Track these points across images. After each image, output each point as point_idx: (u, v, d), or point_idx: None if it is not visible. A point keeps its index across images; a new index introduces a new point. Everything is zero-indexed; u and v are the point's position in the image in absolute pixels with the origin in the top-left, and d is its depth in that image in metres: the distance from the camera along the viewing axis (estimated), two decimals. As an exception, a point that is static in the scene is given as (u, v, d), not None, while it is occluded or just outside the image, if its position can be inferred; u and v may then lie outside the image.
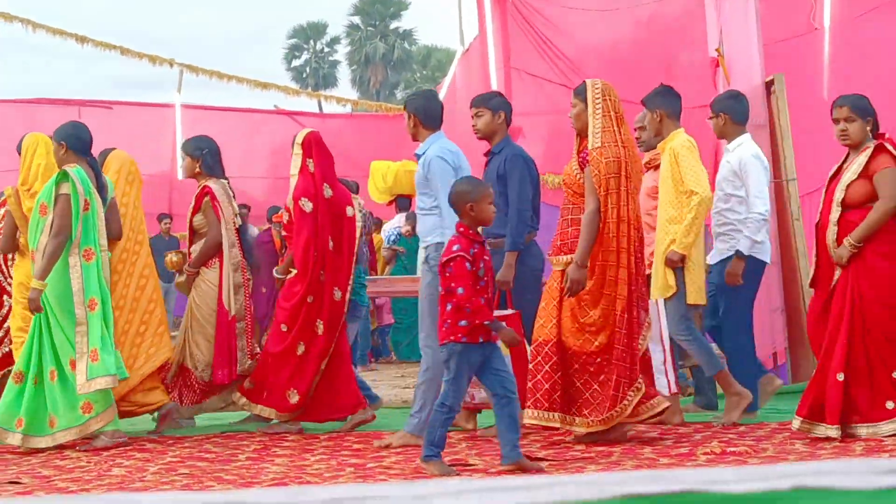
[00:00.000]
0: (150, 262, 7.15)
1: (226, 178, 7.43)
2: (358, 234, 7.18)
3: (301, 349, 6.86)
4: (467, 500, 2.06)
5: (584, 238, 5.93)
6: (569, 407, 6.00)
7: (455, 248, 5.22)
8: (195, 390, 7.18)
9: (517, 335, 5.51)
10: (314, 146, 7.03)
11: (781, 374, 7.91)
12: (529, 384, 6.03)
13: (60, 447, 6.43)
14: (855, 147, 5.86)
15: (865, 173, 5.76)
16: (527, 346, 6.35)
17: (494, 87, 10.76)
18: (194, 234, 7.34)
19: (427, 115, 6.35)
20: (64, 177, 6.43)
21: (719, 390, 7.13)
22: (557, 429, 6.06)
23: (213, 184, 7.28)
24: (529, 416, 6.00)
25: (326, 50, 51.76)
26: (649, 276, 6.55)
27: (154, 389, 7.02)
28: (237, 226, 7.30)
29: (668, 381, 6.33)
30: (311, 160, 6.99)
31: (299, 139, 7.08)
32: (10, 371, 6.64)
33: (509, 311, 6.47)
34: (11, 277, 7.13)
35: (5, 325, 7.13)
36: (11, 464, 6.00)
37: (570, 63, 10.30)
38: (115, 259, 6.87)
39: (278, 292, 7.18)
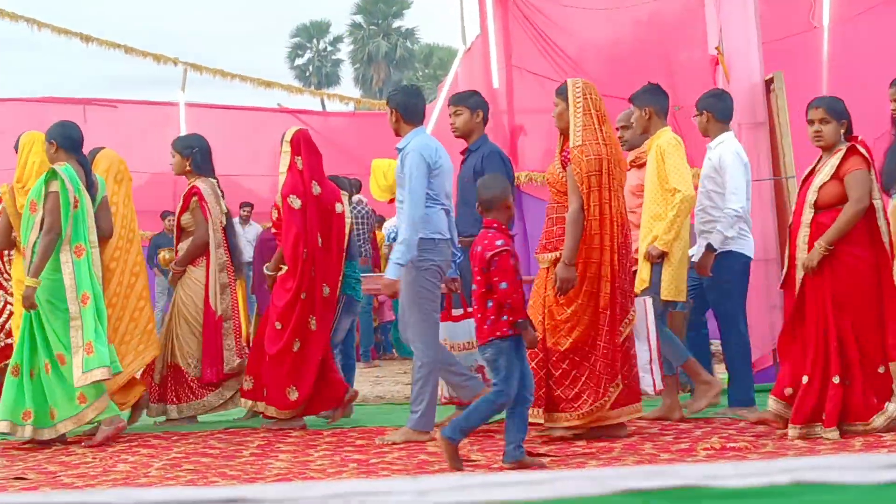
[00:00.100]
0: (141, 259, 7.21)
1: (215, 178, 7.45)
2: (347, 231, 7.20)
3: (297, 346, 6.89)
4: (469, 494, 2.09)
5: (569, 236, 5.95)
6: (552, 404, 6.04)
7: (499, 242, 5.26)
8: (191, 388, 7.22)
9: (536, 337, 5.53)
10: (302, 144, 7.06)
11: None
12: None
13: (66, 443, 6.49)
14: (828, 149, 5.91)
15: (837, 175, 5.81)
16: None
17: (496, 85, 10.78)
18: (182, 232, 7.39)
19: (408, 111, 6.39)
20: (53, 175, 6.50)
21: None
22: (542, 425, 6.08)
23: (201, 183, 7.31)
24: None
25: (329, 49, 51.75)
26: (635, 272, 6.60)
27: (134, 386, 7.10)
28: (224, 225, 7.34)
29: (654, 379, 6.34)
30: (299, 158, 7.02)
31: (288, 137, 7.10)
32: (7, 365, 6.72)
33: None
34: (9, 274, 7.20)
35: (3, 320, 7.21)
36: (17, 460, 6.04)
37: (571, 61, 10.31)
38: (107, 257, 6.92)
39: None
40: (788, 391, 5.93)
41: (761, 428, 6.13)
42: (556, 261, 6.00)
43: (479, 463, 5.50)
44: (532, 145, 10.27)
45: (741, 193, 6.75)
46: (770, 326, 7.85)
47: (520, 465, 5.20)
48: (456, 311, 6.61)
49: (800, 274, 5.86)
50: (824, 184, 5.82)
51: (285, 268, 6.96)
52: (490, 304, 5.23)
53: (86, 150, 7.06)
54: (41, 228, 6.44)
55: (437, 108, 13.08)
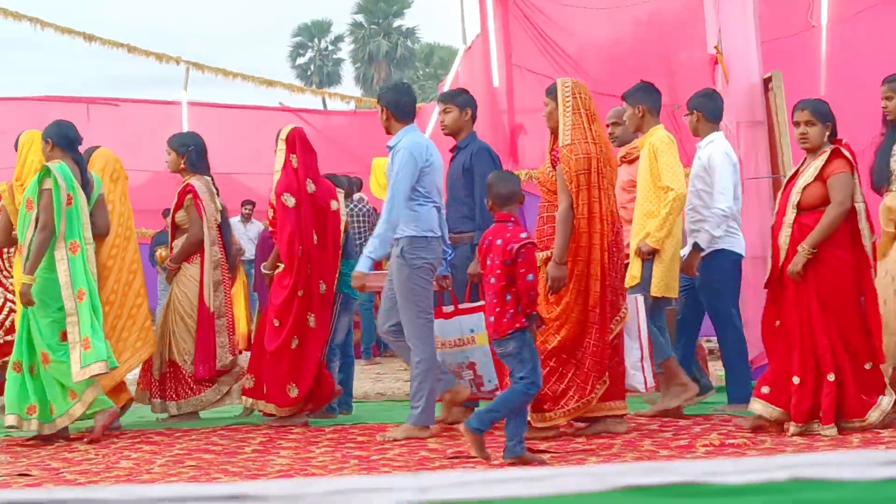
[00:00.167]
0: (137, 257, 7.24)
1: (210, 176, 7.48)
2: (343, 228, 7.23)
3: (295, 343, 6.91)
4: (470, 491, 2.11)
5: (559, 235, 5.98)
6: (538, 401, 6.03)
7: (523, 235, 5.33)
8: (188, 384, 7.25)
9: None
10: (298, 142, 7.07)
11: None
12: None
13: (70, 440, 6.53)
14: (813, 151, 5.94)
15: (821, 177, 5.84)
16: None
17: (496, 84, 10.83)
18: (177, 230, 7.42)
19: (399, 109, 6.42)
20: (47, 172, 6.54)
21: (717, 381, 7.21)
22: (528, 422, 6.12)
23: (196, 181, 7.34)
24: None
25: (330, 48, 51.74)
26: (627, 268, 6.63)
27: (122, 392, 7.14)
28: (219, 223, 7.37)
29: (645, 377, 6.35)
30: (294, 156, 7.04)
31: (283, 135, 7.11)
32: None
33: (482, 303, 6.56)
34: (9, 271, 7.24)
35: (3, 317, 7.26)
36: (21, 456, 6.07)
37: (571, 61, 10.34)
38: (104, 255, 6.96)
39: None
40: (765, 389, 5.99)
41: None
42: (548, 259, 6.03)
43: (479, 460, 5.52)
44: (532, 144, 10.31)
45: (729, 193, 6.78)
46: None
47: (521, 461, 5.24)
48: (447, 308, 6.62)
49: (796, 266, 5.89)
50: (808, 185, 5.85)
51: (282, 266, 6.99)
52: (509, 296, 5.27)
53: (85, 148, 7.09)
54: (37, 226, 6.49)
55: (437, 108, 13.14)
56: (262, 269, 7.33)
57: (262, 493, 1.99)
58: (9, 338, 7.18)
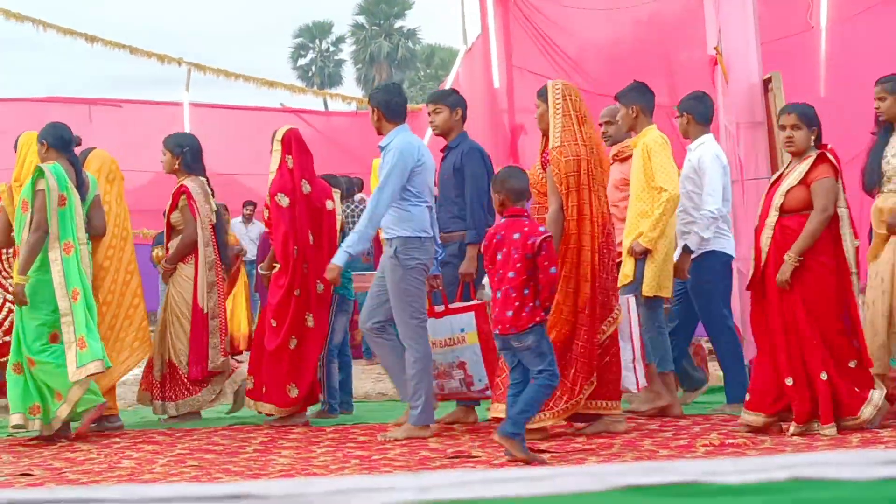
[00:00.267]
0: (134, 258, 7.26)
1: (205, 177, 7.50)
2: (339, 228, 7.24)
3: (294, 343, 6.93)
4: (470, 490, 2.12)
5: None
6: None
7: (542, 229, 5.40)
8: (184, 384, 7.28)
9: None
10: (293, 143, 7.09)
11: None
12: (497, 379, 6.10)
13: (72, 440, 6.56)
14: (798, 154, 5.96)
15: (805, 180, 5.86)
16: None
17: (497, 85, 10.84)
18: (172, 230, 7.45)
19: (390, 109, 6.43)
20: (40, 174, 6.57)
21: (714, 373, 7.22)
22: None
23: (190, 182, 7.36)
24: (494, 410, 6.09)
25: (332, 49, 51.77)
26: (618, 265, 6.64)
27: (114, 394, 7.17)
28: (213, 223, 7.39)
29: (637, 378, 6.36)
30: (289, 157, 7.05)
31: (279, 136, 7.13)
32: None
33: (476, 302, 6.58)
34: (7, 272, 7.27)
35: (2, 318, 7.29)
36: (23, 456, 6.09)
37: (571, 61, 10.35)
38: (101, 255, 6.99)
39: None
40: (748, 397, 6.03)
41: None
42: None
43: (480, 459, 5.54)
44: (532, 144, 10.31)
45: (718, 195, 6.80)
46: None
47: (508, 444, 5.27)
48: (437, 308, 6.63)
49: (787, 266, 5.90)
50: (791, 188, 5.88)
51: (278, 266, 7.02)
52: (527, 290, 5.29)
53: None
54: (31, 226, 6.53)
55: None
56: (259, 270, 7.35)
57: (264, 493, 2.00)
58: (7, 338, 7.20)
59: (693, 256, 6.86)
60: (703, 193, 6.80)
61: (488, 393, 6.45)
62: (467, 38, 12.35)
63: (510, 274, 5.33)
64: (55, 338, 6.51)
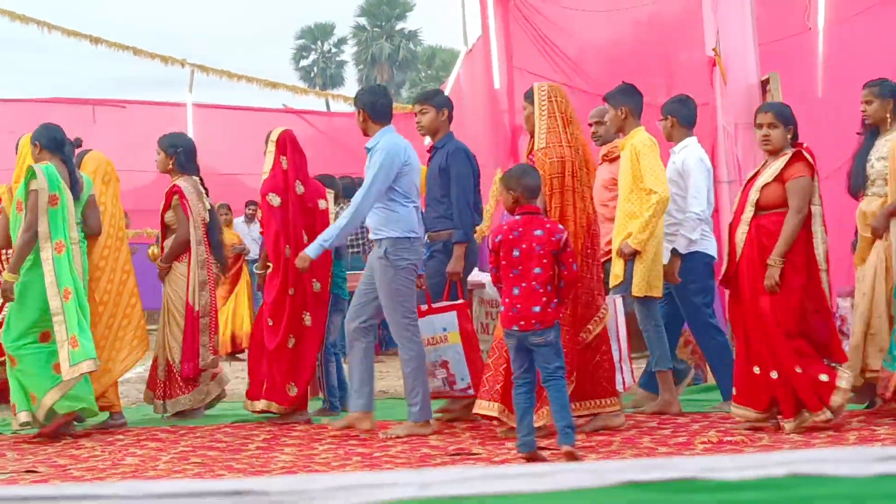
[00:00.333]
0: (129, 258, 7.33)
1: (199, 176, 7.56)
2: None
3: (292, 342, 6.98)
4: (471, 486, 2.14)
5: None
6: (510, 400, 6.05)
7: (561, 227, 5.44)
8: (178, 383, 7.33)
9: None
10: (288, 144, 7.13)
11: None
12: (484, 376, 6.13)
13: (76, 437, 6.62)
14: (775, 153, 5.99)
15: (780, 178, 5.89)
16: (476, 335, 6.56)
17: (497, 86, 10.88)
18: (166, 230, 7.51)
19: (375, 110, 6.45)
20: (33, 174, 6.63)
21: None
22: (497, 418, 6.13)
23: (182, 182, 7.42)
24: (477, 406, 6.12)
25: (333, 50, 51.83)
26: (604, 265, 6.67)
27: (117, 391, 7.22)
28: (207, 222, 7.44)
29: (623, 377, 6.39)
30: (284, 157, 7.10)
31: (273, 137, 7.17)
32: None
33: (458, 302, 6.61)
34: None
35: (2, 318, 7.36)
36: (28, 453, 6.14)
37: (571, 62, 10.38)
38: (96, 255, 7.05)
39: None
40: (734, 391, 6.06)
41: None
42: None
43: (480, 456, 5.59)
44: (532, 145, 10.35)
45: (702, 197, 6.85)
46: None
47: (529, 458, 5.31)
48: (421, 307, 6.64)
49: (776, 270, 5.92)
50: (767, 185, 5.90)
51: (272, 266, 7.08)
52: (550, 287, 5.32)
53: (94, 149, 7.15)
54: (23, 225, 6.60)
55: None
56: (254, 270, 7.40)
57: (266, 489, 2.02)
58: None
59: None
60: (688, 196, 6.84)
61: (470, 392, 6.50)
62: (468, 40, 12.38)
63: (536, 269, 5.31)
64: (46, 336, 6.55)
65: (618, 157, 6.96)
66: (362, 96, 6.56)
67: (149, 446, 6.23)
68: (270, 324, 6.99)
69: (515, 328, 5.33)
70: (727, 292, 6.59)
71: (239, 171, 14.67)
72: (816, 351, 5.93)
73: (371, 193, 6.25)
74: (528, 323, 5.30)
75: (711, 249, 6.94)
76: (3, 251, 7.51)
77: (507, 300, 5.36)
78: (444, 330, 6.56)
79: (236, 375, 9.48)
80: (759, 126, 6.02)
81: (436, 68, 47.28)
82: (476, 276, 8.77)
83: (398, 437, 6.17)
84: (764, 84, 8.26)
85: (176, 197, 7.38)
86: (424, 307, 6.65)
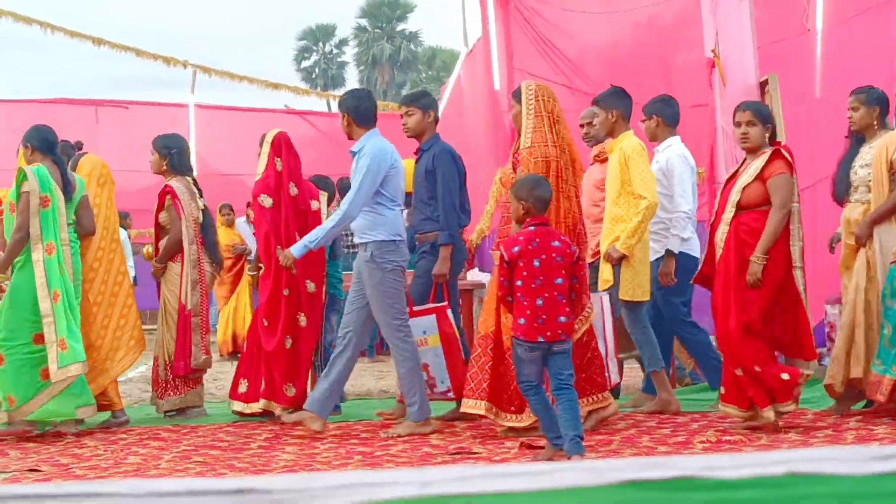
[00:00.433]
0: (124, 259, 7.39)
1: (192, 177, 7.60)
2: None
3: (289, 343, 7.02)
4: (472, 485, 2.17)
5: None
6: (499, 399, 6.12)
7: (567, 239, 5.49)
8: (173, 383, 7.37)
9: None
10: (283, 146, 7.18)
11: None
12: (468, 374, 6.16)
13: (78, 436, 6.65)
14: (753, 151, 6.00)
15: (761, 177, 5.89)
16: (458, 337, 6.54)
17: (497, 87, 10.90)
18: (161, 230, 7.55)
19: (359, 114, 6.46)
20: (24, 176, 6.67)
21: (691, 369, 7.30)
22: (484, 417, 6.17)
23: (175, 182, 7.46)
24: (463, 405, 6.16)
25: (335, 51, 51.86)
26: (591, 265, 6.70)
27: (118, 389, 7.27)
28: (201, 222, 7.48)
29: (609, 374, 6.41)
30: (279, 159, 7.14)
31: (268, 138, 7.22)
32: None
33: (437, 305, 6.61)
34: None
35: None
36: (31, 452, 6.17)
37: (571, 64, 10.41)
38: (91, 257, 7.09)
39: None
40: (723, 390, 6.09)
41: (756, 422, 6.25)
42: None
43: (480, 455, 5.62)
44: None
45: (689, 195, 6.89)
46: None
47: (546, 457, 5.35)
48: None
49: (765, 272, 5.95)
50: (748, 184, 5.91)
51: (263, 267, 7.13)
52: (569, 297, 5.36)
53: (96, 150, 7.20)
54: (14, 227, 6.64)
55: (439, 110, 13.17)
56: (247, 272, 7.43)
57: (268, 488, 2.04)
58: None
59: (658, 258, 6.94)
60: (675, 195, 6.88)
61: (450, 395, 6.52)
62: (468, 41, 12.41)
63: (557, 280, 5.32)
64: (40, 339, 6.57)
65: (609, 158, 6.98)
66: (346, 100, 6.57)
67: (151, 445, 6.27)
68: (266, 324, 7.04)
69: (542, 339, 5.30)
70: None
71: (241, 171, 14.71)
72: (779, 349, 5.95)
73: (360, 197, 6.26)
74: (555, 333, 5.30)
75: (695, 250, 6.96)
76: None
77: (529, 311, 5.30)
78: (424, 333, 6.55)
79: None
80: (738, 124, 6.03)
81: (436, 69, 47.28)
82: (476, 275, 8.80)
83: (399, 437, 6.20)
84: (763, 85, 8.28)
85: (168, 197, 7.43)
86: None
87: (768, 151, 5.96)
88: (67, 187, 6.80)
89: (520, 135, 6.30)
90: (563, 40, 10.53)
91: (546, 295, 5.29)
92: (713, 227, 6.06)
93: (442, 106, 13.26)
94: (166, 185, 7.48)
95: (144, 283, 7.84)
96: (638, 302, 6.68)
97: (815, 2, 9.66)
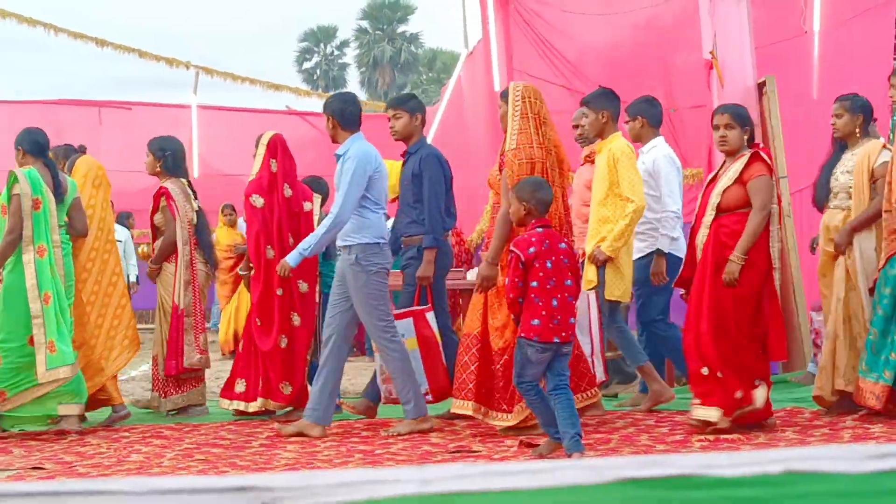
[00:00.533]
0: (119, 260, 7.45)
1: (186, 179, 7.65)
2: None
3: (284, 342, 7.07)
4: (471, 483, 2.19)
5: (495, 237, 6.05)
6: (487, 399, 6.15)
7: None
8: (177, 381, 7.41)
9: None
10: (279, 147, 7.23)
11: (772, 365, 8.07)
12: (464, 375, 6.18)
13: (82, 434, 6.69)
14: (732, 154, 6.01)
15: (740, 179, 5.90)
16: (439, 341, 6.56)
17: (497, 88, 10.92)
18: (157, 231, 7.60)
19: (344, 117, 6.47)
20: (16, 178, 6.72)
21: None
22: (473, 417, 6.21)
23: (170, 184, 7.51)
24: (452, 406, 6.20)
25: (336, 53, 51.88)
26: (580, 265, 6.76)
27: (117, 384, 7.33)
28: (195, 223, 7.52)
29: (595, 371, 6.41)
30: (274, 160, 7.19)
31: (264, 140, 7.28)
32: None
33: (415, 308, 6.62)
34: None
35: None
36: (35, 450, 6.20)
37: (570, 65, 10.44)
38: (84, 257, 7.14)
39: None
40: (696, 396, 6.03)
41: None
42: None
43: (480, 453, 5.66)
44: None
45: (676, 195, 6.92)
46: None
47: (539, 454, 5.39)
48: None
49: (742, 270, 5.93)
50: (728, 187, 5.92)
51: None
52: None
53: (99, 150, 7.24)
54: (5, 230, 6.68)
55: (440, 111, 13.22)
56: (239, 271, 7.47)
57: (269, 485, 2.07)
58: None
59: (641, 255, 6.97)
60: (663, 195, 6.91)
61: (429, 397, 6.54)
62: (469, 43, 12.45)
63: (567, 282, 5.36)
64: (31, 340, 6.61)
65: None
66: (332, 103, 6.58)
67: (154, 443, 6.30)
68: (259, 324, 7.09)
69: (557, 340, 5.34)
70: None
71: (243, 171, 14.69)
72: (750, 343, 5.92)
73: (349, 202, 6.28)
74: (568, 335, 5.34)
75: (682, 251, 6.95)
76: None
77: (544, 312, 5.31)
78: (402, 336, 6.53)
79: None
80: (716, 127, 6.03)
81: (437, 71, 47.29)
82: (476, 275, 8.82)
83: (399, 435, 6.23)
84: (760, 87, 8.32)
85: (163, 199, 7.49)
86: None
87: (747, 154, 5.96)
88: (59, 189, 6.85)
89: (506, 136, 6.32)
90: (562, 42, 10.56)
91: (559, 296, 5.33)
92: (693, 230, 6.07)
93: (442, 107, 13.34)
94: (161, 187, 7.54)
95: (146, 283, 7.88)
96: (617, 302, 6.72)
97: (812, 4, 9.70)
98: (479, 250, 9.46)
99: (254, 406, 7.11)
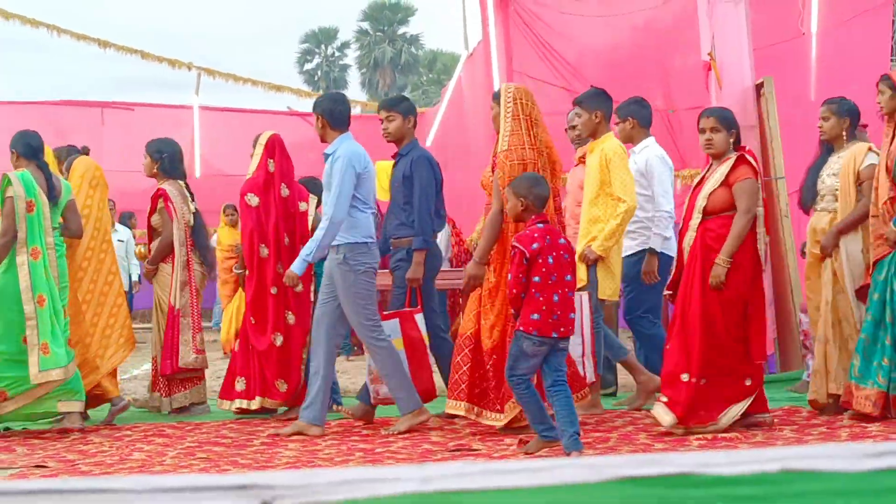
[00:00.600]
0: (115, 260, 7.48)
1: (184, 180, 7.69)
2: (311, 228, 7.29)
3: (279, 340, 7.12)
4: (471, 481, 2.22)
5: (484, 237, 6.09)
6: (481, 400, 6.17)
7: None
8: (179, 380, 7.45)
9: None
10: (276, 147, 7.27)
11: (770, 365, 8.12)
12: (457, 375, 6.21)
13: (84, 432, 6.74)
14: (718, 157, 6.03)
15: (726, 182, 5.92)
16: (426, 342, 6.58)
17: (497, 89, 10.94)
18: (154, 232, 7.64)
19: (334, 117, 6.49)
20: (9, 181, 6.76)
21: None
22: (465, 417, 6.23)
23: (167, 185, 7.56)
24: (447, 406, 6.23)
25: (337, 54, 51.93)
26: None
27: (114, 379, 7.38)
28: (192, 224, 7.56)
29: (586, 372, 6.44)
30: (272, 160, 7.23)
31: (262, 140, 7.32)
32: None
33: (411, 309, 6.63)
34: None
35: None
36: (37, 448, 6.23)
37: (570, 67, 10.46)
38: (79, 257, 7.19)
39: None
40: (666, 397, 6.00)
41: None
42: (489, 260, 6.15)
43: (480, 452, 5.69)
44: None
45: (670, 195, 6.96)
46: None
47: (536, 452, 5.43)
48: None
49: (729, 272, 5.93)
50: (714, 190, 5.93)
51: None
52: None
53: (101, 151, 7.28)
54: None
55: (440, 112, 13.25)
56: (234, 270, 7.50)
57: (271, 483, 2.09)
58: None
59: (631, 253, 7.00)
60: (655, 195, 6.94)
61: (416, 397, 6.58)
62: (469, 44, 12.48)
63: (567, 277, 5.39)
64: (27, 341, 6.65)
65: None
66: (322, 103, 6.60)
67: (156, 442, 6.33)
68: (253, 322, 7.14)
69: (555, 335, 5.36)
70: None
71: (244, 172, 14.74)
72: (736, 344, 5.92)
73: (342, 202, 6.29)
74: (567, 330, 5.37)
75: (673, 250, 6.95)
76: None
77: (545, 307, 5.34)
78: (389, 336, 6.54)
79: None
80: (702, 130, 6.04)
81: (437, 72, 47.32)
82: None
83: (399, 433, 6.26)
84: (758, 88, 8.35)
85: (161, 200, 7.53)
86: None
87: (733, 157, 5.98)
88: (52, 192, 6.88)
89: (498, 137, 6.31)
90: (562, 43, 10.58)
91: (560, 291, 5.36)
92: (681, 234, 6.09)
93: (442, 108, 13.36)
94: (159, 189, 7.58)
95: (147, 283, 7.91)
96: (601, 301, 6.73)
97: (810, 5, 9.73)
98: None
99: (255, 404, 7.15)
